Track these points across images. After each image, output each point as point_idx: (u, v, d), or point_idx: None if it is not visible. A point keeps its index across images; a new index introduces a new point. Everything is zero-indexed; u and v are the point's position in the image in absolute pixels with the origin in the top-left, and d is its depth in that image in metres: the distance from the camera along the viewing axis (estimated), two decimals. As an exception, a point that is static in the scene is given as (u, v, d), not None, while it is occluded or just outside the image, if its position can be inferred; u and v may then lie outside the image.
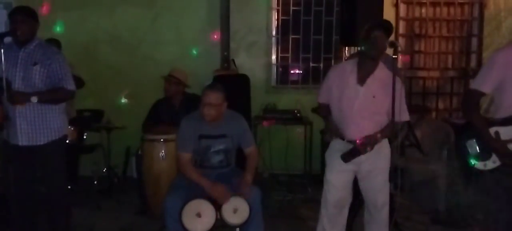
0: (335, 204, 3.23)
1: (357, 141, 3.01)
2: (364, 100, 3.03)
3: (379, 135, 3.03)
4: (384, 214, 3.20)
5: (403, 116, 3.04)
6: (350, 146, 3.05)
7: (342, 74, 3.12)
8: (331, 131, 3.19)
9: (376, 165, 3.13)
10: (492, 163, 2.78)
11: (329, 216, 3.26)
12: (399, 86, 2.88)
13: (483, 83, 2.76)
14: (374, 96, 3.02)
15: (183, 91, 4.62)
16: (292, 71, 6.18)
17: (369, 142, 3.00)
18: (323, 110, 3.32)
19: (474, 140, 2.82)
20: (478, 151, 2.81)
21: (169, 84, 4.57)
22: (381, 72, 3.06)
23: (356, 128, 3.04)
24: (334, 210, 3.24)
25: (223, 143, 3.38)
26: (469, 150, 2.84)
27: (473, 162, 2.83)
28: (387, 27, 3.00)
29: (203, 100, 3.23)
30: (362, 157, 3.06)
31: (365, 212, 3.35)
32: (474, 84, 2.82)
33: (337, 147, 3.17)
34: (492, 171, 2.79)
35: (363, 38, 3.00)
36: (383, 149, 3.14)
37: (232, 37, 5.81)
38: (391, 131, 3.02)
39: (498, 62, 2.72)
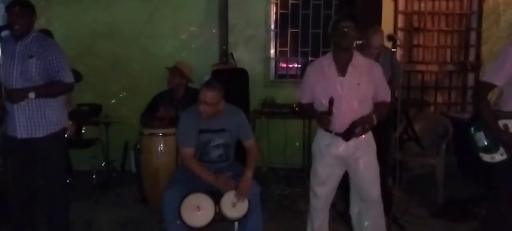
0: (325, 198, 3.25)
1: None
2: (349, 90, 3.01)
3: (373, 115, 3.03)
4: (376, 209, 3.20)
5: (388, 97, 3.16)
6: (338, 139, 3.03)
7: (321, 70, 3.10)
8: (322, 122, 3.10)
9: (365, 156, 3.12)
10: (500, 155, 2.82)
11: (318, 210, 3.27)
12: (379, 69, 3.12)
13: (496, 76, 2.81)
14: (358, 84, 3.02)
15: (185, 85, 4.61)
16: (290, 65, 6.17)
17: (367, 121, 2.99)
18: (307, 110, 3.28)
19: (482, 133, 2.83)
20: (486, 143, 2.82)
21: (173, 76, 4.56)
22: (358, 60, 3.08)
23: (345, 119, 3.00)
24: (324, 204, 3.26)
25: (223, 137, 3.38)
26: (478, 143, 2.85)
27: (481, 154, 2.85)
28: (353, 16, 3.04)
29: (199, 97, 3.24)
30: (350, 149, 3.05)
31: (352, 206, 3.34)
32: (486, 77, 2.86)
33: (324, 142, 3.14)
34: (499, 162, 2.82)
35: (332, 31, 3.02)
36: (370, 142, 3.15)
37: (230, 31, 5.80)
38: (384, 112, 3.11)
39: (511, 56, 2.75)
